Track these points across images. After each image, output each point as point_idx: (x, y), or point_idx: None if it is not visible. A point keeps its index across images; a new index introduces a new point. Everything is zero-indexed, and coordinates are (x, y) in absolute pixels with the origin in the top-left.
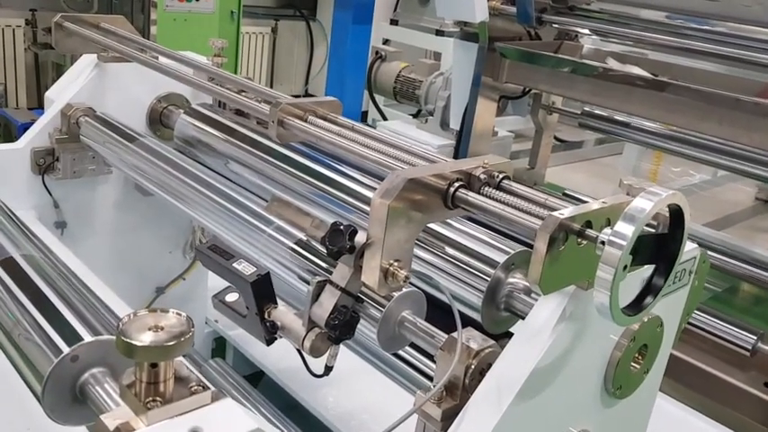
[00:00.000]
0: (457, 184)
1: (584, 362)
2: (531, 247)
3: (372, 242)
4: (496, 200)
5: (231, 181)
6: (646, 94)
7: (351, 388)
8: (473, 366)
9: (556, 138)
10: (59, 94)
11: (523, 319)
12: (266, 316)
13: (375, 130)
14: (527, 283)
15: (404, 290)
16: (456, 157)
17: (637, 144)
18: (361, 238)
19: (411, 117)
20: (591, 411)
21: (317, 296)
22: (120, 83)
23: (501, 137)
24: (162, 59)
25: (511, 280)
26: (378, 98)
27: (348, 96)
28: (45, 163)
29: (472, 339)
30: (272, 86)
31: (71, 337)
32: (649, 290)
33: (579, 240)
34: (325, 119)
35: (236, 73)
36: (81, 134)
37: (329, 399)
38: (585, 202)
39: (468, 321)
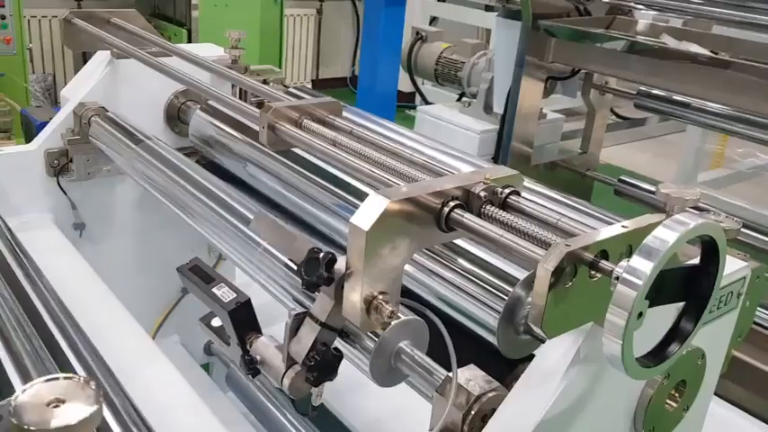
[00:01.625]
0: (452, 204)
1: (607, 404)
2: None
3: (352, 272)
4: (500, 221)
5: (245, 185)
6: (707, 72)
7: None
8: (473, 413)
9: (617, 115)
10: (74, 93)
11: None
12: (248, 347)
13: (376, 136)
14: None
15: (402, 317)
16: (499, 142)
17: (698, 126)
18: (341, 266)
19: (455, 101)
20: None
21: (295, 330)
22: (135, 79)
23: (550, 119)
24: (169, 58)
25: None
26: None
27: (381, 78)
28: (59, 164)
29: (473, 381)
30: (317, 71)
31: None
32: (676, 334)
33: (592, 273)
34: (323, 122)
35: (280, 59)
36: (90, 135)
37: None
38: (643, 189)
39: (485, 345)
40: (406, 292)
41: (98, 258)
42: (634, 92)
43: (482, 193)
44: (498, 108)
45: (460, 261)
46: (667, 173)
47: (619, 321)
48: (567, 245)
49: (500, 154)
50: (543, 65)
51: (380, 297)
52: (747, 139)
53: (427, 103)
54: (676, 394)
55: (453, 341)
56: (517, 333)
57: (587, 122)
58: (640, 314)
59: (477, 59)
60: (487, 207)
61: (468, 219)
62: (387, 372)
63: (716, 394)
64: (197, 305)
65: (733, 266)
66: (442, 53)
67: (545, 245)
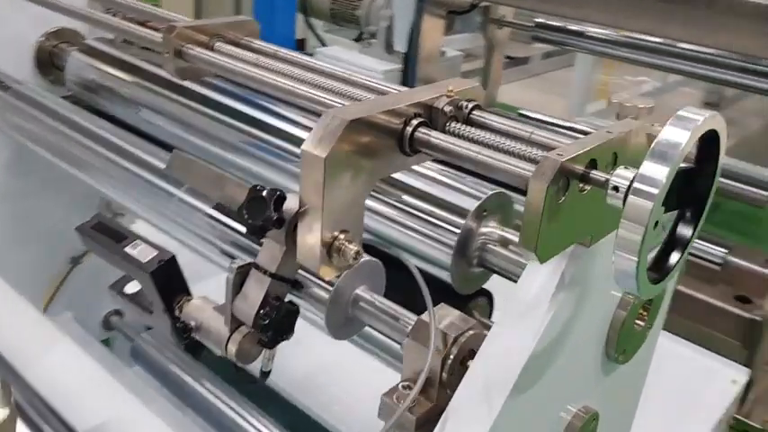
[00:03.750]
0: (415, 122)
1: (584, 330)
2: (506, 187)
3: (307, 209)
4: (469, 139)
5: (143, 134)
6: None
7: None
8: (452, 357)
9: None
10: None
11: (500, 274)
12: (177, 312)
13: (305, 57)
14: (502, 233)
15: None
16: (405, 83)
17: (592, 54)
18: (291, 204)
19: (354, 41)
20: (591, 383)
21: (239, 286)
22: None
23: (450, 56)
24: None
25: (484, 230)
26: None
27: (279, 22)
28: None
29: (448, 321)
30: (198, 17)
31: None
32: (675, 244)
33: (582, 186)
34: (237, 44)
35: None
36: None
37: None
38: (543, 122)
39: (431, 281)
40: None
41: None
42: (531, 24)
43: (447, 108)
44: (400, 46)
45: (404, 197)
46: (558, 107)
47: (634, 237)
48: (559, 154)
49: None
50: (442, 0)
51: (342, 237)
52: (637, 65)
53: (324, 45)
54: (644, 313)
55: (396, 281)
56: (470, 266)
57: (486, 58)
58: (656, 224)
59: None
60: (452, 124)
61: (437, 137)
62: (343, 323)
63: None
64: (91, 276)
65: None
66: None
67: (528, 160)
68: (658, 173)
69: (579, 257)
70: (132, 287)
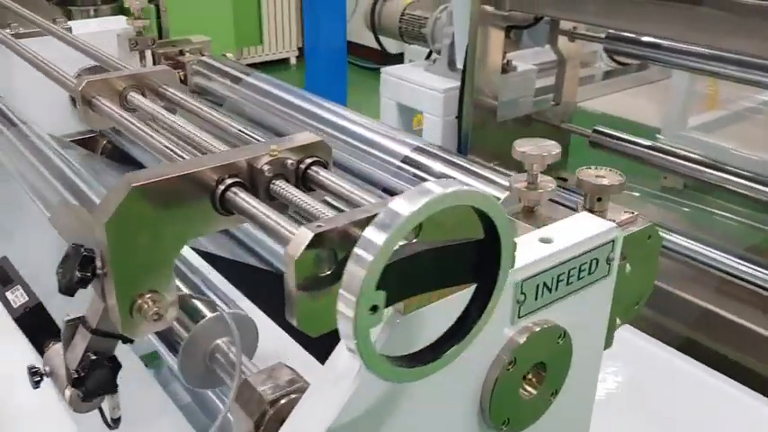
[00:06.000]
0: (229, 181)
1: (438, 396)
2: None
3: (106, 272)
4: (284, 198)
5: None
6: (673, 10)
7: None
8: (267, 417)
9: (617, 62)
10: None
11: None
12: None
13: (210, 110)
14: None
15: (226, 311)
16: (461, 100)
17: (670, 67)
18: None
19: (424, 59)
20: None
21: (69, 339)
22: None
23: (521, 71)
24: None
25: None
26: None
27: (324, 32)
28: None
29: (272, 382)
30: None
31: None
32: (458, 329)
33: None
34: (156, 93)
35: (260, 29)
36: None
37: None
38: (618, 138)
39: None
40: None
41: None
42: (603, 36)
43: (266, 167)
44: (461, 63)
45: None
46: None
47: (347, 312)
48: (318, 225)
49: (462, 112)
50: (501, 14)
51: (148, 296)
52: (726, 79)
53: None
54: (534, 379)
55: None
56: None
57: (558, 72)
58: (375, 308)
59: (440, 14)
60: (278, 183)
61: (244, 199)
62: (204, 374)
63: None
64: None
65: (595, 229)
66: (405, 9)
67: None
68: (378, 238)
69: (396, 324)
70: None
